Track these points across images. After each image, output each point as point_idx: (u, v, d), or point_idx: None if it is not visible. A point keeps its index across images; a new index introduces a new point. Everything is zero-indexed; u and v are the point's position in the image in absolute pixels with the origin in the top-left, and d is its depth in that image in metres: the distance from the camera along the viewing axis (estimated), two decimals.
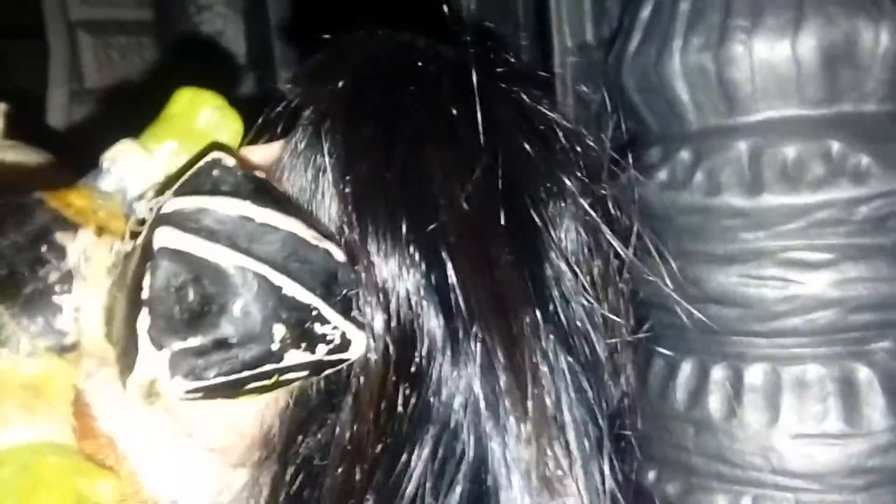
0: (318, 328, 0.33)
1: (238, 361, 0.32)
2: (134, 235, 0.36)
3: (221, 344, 0.32)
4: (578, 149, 0.41)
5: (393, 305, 0.35)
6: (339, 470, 0.36)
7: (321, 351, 0.34)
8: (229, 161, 0.36)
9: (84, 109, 1.35)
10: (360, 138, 0.38)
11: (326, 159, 0.38)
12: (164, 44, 1.37)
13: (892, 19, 0.38)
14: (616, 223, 0.41)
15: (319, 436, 0.37)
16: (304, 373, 0.34)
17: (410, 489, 0.35)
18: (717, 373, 0.43)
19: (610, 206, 0.41)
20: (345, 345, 0.34)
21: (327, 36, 0.42)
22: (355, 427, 0.36)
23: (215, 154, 0.36)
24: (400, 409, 0.35)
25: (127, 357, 0.32)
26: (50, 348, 0.35)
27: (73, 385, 0.36)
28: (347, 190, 0.37)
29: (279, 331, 0.33)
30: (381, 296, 0.35)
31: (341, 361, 0.35)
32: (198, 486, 0.38)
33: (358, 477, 0.35)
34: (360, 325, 0.35)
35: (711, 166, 0.41)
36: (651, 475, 0.46)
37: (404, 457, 0.35)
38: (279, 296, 0.32)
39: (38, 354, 0.35)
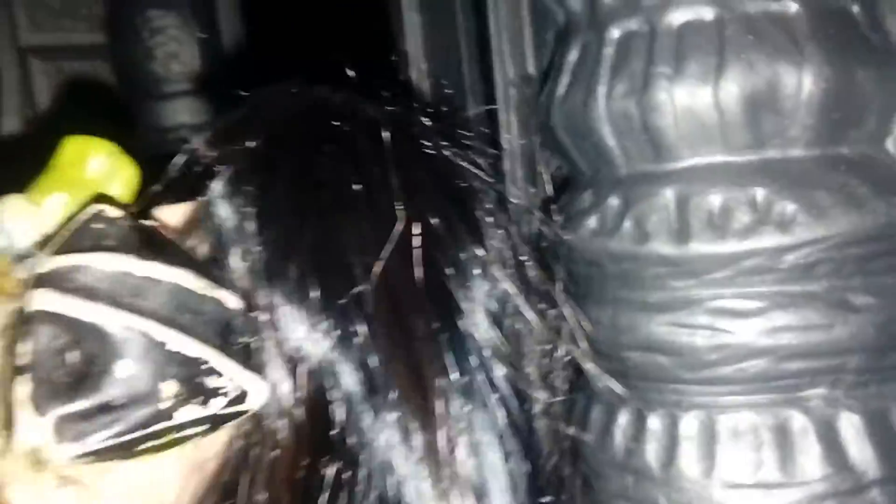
0: (212, 381, 0.32)
1: (127, 422, 0.31)
2: (14, 297, 0.35)
3: (107, 406, 0.31)
4: (500, 207, 0.40)
5: (301, 374, 0.34)
6: None
7: (217, 404, 0.33)
8: (113, 213, 0.35)
9: (37, 136, 1.33)
10: (272, 201, 0.37)
11: (237, 221, 0.37)
12: (117, 68, 1.36)
13: (814, 63, 0.38)
14: (538, 282, 0.41)
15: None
16: (202, 427, 0.33)
17: None
18: (654, 421, 0.42)
19: (529, 267, 0.40)
20: (242, 396, 0.33)
21: (244, 92, 0.41)
22: (271, 501, 0.35)
23: (98, 206, 0.35)
24: (315, 482, 0.34)
25: (9, 425, 0.31)
26: None
27: None
28: (257, 254, 0.36)
29: (169, 388, 0.32)
30: (288, 364, 0.34)
31: (239, 413, 0.34)
32: None
33: None
34: (259, 375, 0.34)
35: (639, 213, 0.41)
36: None
37: None
38: (165, 351, 0.32)
39: None
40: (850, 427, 0.39)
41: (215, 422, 0.34)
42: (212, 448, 0.37)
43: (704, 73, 0.38)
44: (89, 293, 0.31)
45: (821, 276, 0.38)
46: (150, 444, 0.32)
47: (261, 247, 0.36)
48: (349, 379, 0.34)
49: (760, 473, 0.39)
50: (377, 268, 0.35)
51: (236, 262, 0.36)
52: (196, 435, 0.34)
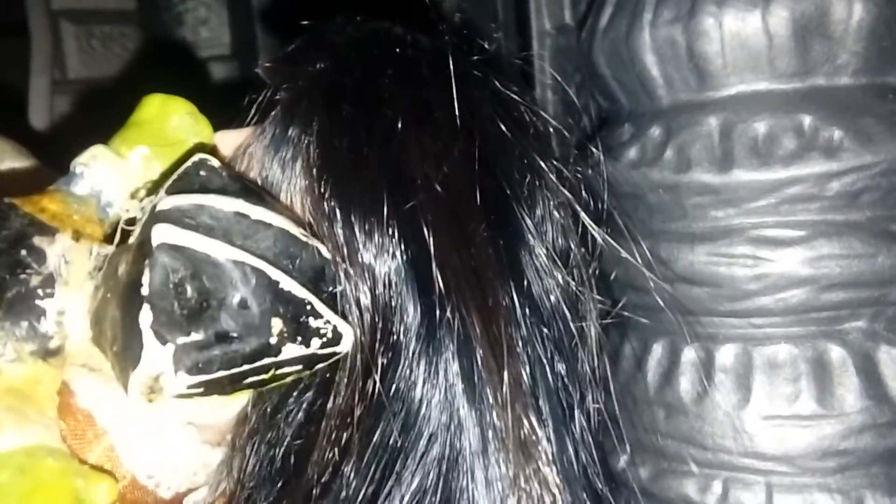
0: (313, 322, 0.34)
1: (238, 355, 0.32)
2: (125, 235, 0.36)
3: (222, 337, 0.32)
4: (550, 134, 0.41)
5: (376, 280, 0.35)
6: (321, 444, 0.36)
7: (315, 344, 0.34)
8: (214, 162, 0.36)
9: (66, 100, 1.34)
10: (339, 117, 0.38)
11: (304, 138, 0.37)
12: (147, 33, 1.36)
13: None
14: (588, 204, 0.41)
15: (297, 414, 0.37)
16: (299, 367, 0.34)
17: (385, 457, 0.35)
18: (689, 353, 0.42)
19: (582, 188, 0.41)
20: (336, 338, 0.35)
21: (307, 22, 0.42)
22: (336, 402, 0.36)
23: (201, 155, 0.36)
24: (378, 380, 0.35)
25: (128, 354, 0.32)
26: (34, 352, 0.35)
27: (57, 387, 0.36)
28: (326, 168, 0.37)
29: (277, 324, 0.33)
30: (365, 272, 0.36)
31: (333, 355, 0.35)
32: (175, 462, 0.38)
33: (335, 450, 0.35)
34: (348, 320, 0.35)
35: (681, 142, 0.40)
36: (623, 459, 0.45)
37: (381, 426, 0.35)
38: (276, 290, 0.33)
39: (23, 359, 0.35)
40: (890, 361, 0.39)
41: (311, 361, 0.35)
42: None
43: None
44: (208, 230, 0.33)
45: (865, 205, 0.38)
46: (254, 378, 0.34)
47: (328, 160, 0.37)
48: (414, 285, 0.35)
49: (797, 405, 0.39)
50: (438, 179, 0.36)
51: (301, 176, 0.37)
52: (293, 374, 0.35)
